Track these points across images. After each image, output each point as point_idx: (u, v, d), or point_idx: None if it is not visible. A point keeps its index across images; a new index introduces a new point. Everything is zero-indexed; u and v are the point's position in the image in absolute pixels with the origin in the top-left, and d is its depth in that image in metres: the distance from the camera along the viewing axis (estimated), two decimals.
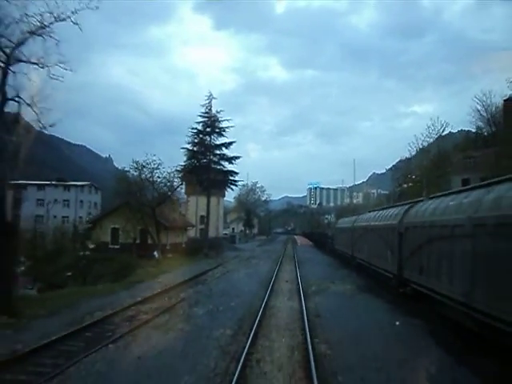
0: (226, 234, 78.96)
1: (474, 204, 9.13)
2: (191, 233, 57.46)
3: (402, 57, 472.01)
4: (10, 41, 14.71)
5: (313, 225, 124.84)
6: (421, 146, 55.77)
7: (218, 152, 40.73)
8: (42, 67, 15.43)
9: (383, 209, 21.43)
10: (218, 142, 40.47)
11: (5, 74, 14.55)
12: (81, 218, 77.73)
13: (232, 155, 41.15)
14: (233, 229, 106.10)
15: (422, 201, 14.40)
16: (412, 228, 13.48)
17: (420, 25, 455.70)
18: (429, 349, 9.34)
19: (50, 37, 15.29)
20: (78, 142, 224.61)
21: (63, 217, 75.91)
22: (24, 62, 15.12)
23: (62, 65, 15.45)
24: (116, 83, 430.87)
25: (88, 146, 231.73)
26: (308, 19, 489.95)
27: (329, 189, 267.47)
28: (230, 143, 40.38)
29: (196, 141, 40.26)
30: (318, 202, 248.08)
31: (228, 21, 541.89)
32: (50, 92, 15.36)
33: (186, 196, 59.00)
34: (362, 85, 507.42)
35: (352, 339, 10.26)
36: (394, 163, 73.95)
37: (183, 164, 41.04)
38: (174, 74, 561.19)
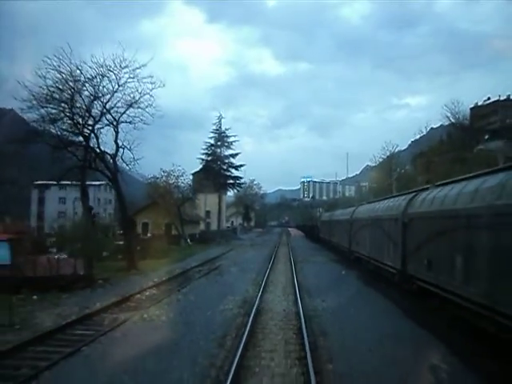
0: (228, 226, 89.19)
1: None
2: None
3: (395, 49, 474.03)
4: (117, 112, 24.66)
5: (305, 218, 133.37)
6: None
7: (226, 161, 51.07)
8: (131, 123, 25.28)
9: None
10: (226, 153, 50.86)
11: (116, 132, 24.55)
12: (98, 213, 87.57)
13: (238, 164, 51.58)
14: (232, 222, 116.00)
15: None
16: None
17: (412, 16, 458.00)
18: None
19: (139, 107, 25.08)
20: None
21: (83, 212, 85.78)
22: (124, 122, 25.10)
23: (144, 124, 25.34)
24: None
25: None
26: (300, 11, 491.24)
27: (322, 182, 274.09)
28: (236, 154, 50.81)
29: (209, 152, 50.54)
30: (311, 196, 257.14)
31: (220, 14, 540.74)
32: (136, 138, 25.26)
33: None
34: (355, 77, 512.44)
35: (315, 276, 20.60)
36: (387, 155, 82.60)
37: (198, 171, 51.44)
38: (166, 68, 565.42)
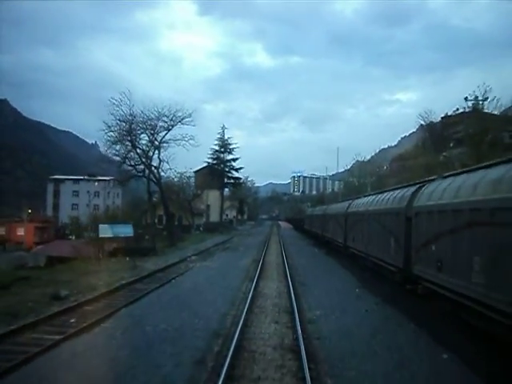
0: (225, 219, 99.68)
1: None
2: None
3: (387, 44, 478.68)
4: (158, 134, 35.07)
5: (295, 212, 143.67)
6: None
7: (228, 164, 61.54)
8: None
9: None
10: (228, 158, 61.37)
11: (159, 150, 34.92)
12: (108, 206, 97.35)
13: (238, 167, 62.18)
14: (226, 215, 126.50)
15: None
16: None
17: (405, 12, 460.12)
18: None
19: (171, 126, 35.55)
20: (64, 128, 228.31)
21: (94, 205, 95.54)
22: (164, 142, 35.52)
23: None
24: (101, 68, 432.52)
25: (74, 132, 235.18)
26: (293, 5, 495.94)
27: (312, 177, 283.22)
28: (236, 159, 61.36)
29: (214, 157, 60.93)
30: (301, 190, 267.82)
31: (212, 6, 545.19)
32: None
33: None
34: (346, 72, 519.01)
35: (296, 251, 31.18)
36: (377, 151, 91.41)
37: (200, 169, 62.08)
38: (158, 59, 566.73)
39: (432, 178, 12.68)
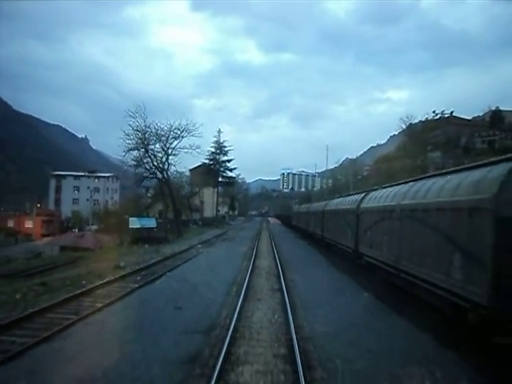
0: (218, 214, 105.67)
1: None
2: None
3: (379, 43, 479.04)
4: (169, 143, 41.03)
5: (283, 208, 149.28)
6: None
7: (223, 164, 67.63)
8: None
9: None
10: (223, 159, 67.50)
11: (168, 156, 40.88)
12: (107, 201, 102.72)
13: (232, 167, 68.42)
14: (218, 210, 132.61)
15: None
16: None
17: (397, 11, 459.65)
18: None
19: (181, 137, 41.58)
20: (54, 122, 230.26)
21: (94, 200, 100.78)
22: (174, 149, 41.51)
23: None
24: (92, 62, 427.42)
25: (64, 126, 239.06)
26: (285, 3, 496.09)
27: (300, 174, 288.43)
28: (230, 160, 67.54)
29: (210, 157, 66.94)
30: (290, 187, 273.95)
31: (205, 2, 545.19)
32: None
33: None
34: (338, 70, 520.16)
35: (283, 242, 37.42)
36: (366, 149, 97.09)
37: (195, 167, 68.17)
38: (150, 54, 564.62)
39: (376, 188, 18.25)
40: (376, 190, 18.23)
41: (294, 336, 8.83)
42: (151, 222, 28.54)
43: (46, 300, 12.41)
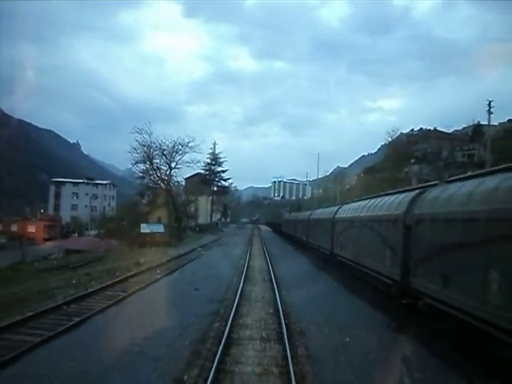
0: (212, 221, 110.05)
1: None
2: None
3: (371, 52, 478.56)
4: (172, 157, 45.55)
5: (274, 216, 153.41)
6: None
7: (218, 175, 72.25)
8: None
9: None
10: (218, 169, 72.19)
11: (171, 169, 45.39)
12: (104, 207, 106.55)
13: (226, 177, 73.10)
14: (211, 217, 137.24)
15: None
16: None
17: (389, 21, 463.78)
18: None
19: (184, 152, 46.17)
20: (45, 127, 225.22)
21: (92, 206, 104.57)
22: (175, 162, 46.04)
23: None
24: (84, 67, 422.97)
25: (56, 131, 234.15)
26: (278, 11, 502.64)
27: (292, 183, 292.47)
28: (225, 170, 72.23)
29: (206, 168, 71.52)
30: (281, 195, 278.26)
31: (198, 9, 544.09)
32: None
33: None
34: (330, 78, 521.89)
35: (274, 247, 41.96)
36: (357, 158, 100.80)
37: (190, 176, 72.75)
38: (142, 60, 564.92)
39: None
40: (348, 203, 22.92)
41: (280, 304, 13.33)
42: (159, 228, 32.76)
43: (96, 284, 16.77)
